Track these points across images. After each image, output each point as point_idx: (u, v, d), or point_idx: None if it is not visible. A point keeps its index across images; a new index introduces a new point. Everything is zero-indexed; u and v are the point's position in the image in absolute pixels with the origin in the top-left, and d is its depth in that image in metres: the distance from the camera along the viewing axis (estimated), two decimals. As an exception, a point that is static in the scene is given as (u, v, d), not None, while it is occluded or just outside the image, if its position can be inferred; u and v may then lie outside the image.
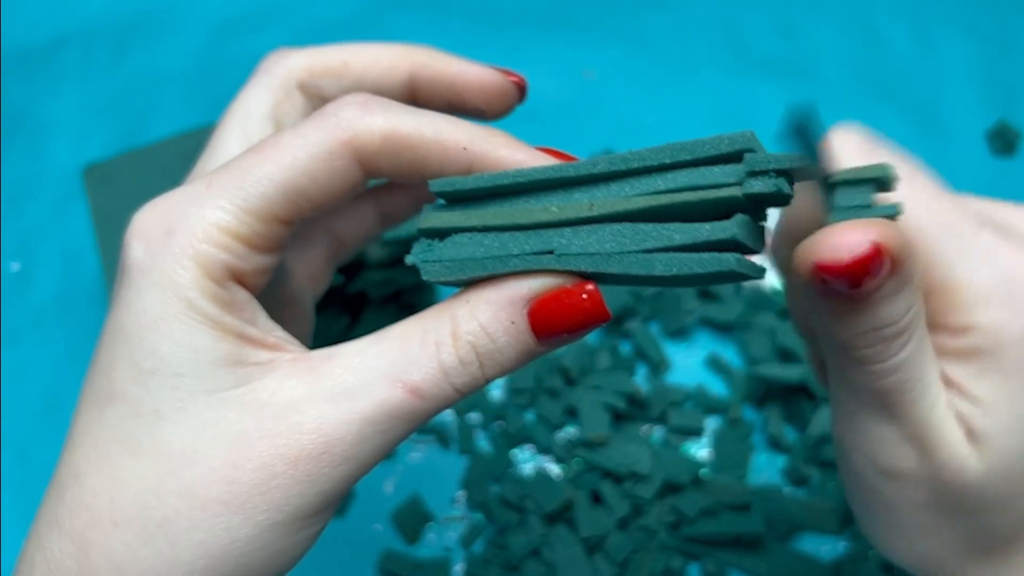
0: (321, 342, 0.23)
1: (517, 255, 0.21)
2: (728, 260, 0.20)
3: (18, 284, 0.51)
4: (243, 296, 0.22)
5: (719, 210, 0.20)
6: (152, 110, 0.58)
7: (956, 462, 0.23)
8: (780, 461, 0.43)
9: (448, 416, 0.45)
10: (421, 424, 0.22)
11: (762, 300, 0.47)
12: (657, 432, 0.44)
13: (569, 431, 0.44)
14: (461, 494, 0.43)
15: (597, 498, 0.42)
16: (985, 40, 0.59)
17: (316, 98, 0.27)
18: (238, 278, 0.22)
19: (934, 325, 0.24)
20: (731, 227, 0.19)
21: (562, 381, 0.45)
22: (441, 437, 0.45)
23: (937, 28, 0.59)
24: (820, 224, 0.21)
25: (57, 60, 0.60)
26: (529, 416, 0.45)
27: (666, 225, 0.20)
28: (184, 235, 0.21)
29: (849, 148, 0.24)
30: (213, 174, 0.22)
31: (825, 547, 0.41)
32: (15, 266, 0.52)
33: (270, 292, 0.25)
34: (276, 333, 0.23)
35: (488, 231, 0.22)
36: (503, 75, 0.27)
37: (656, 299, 0.47)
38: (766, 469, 0.43)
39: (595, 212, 0.21)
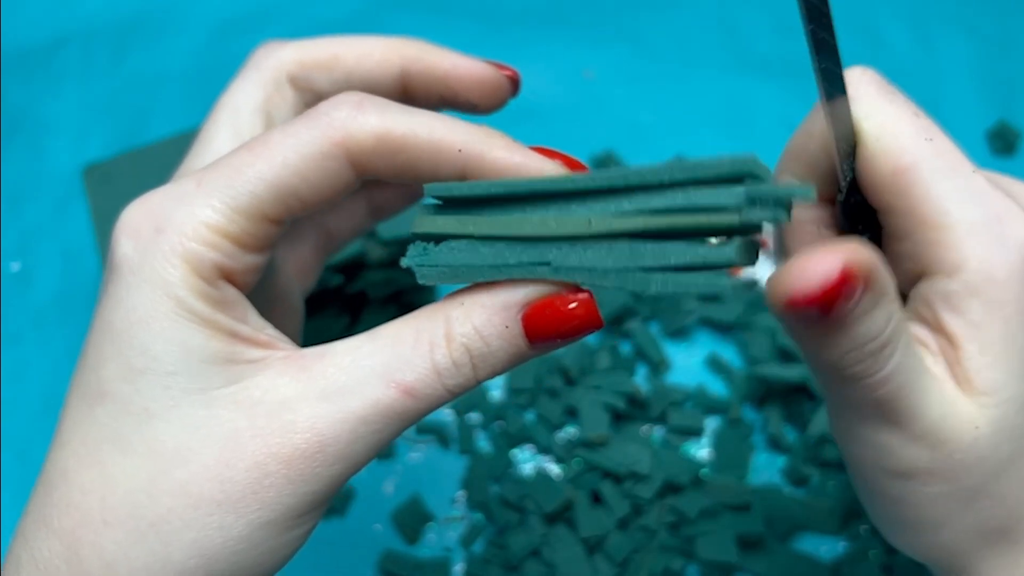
0: (320, 342, 0.22)
1: (513, 265, 0.21)
2: (723, 284, 0.20)
3: (18, 284, 0.51)
4: (233, 294, 0.22)
5: (716, 232, 0.20)
6: (152, 110, 0.58)
7: (966, 436, 0.23)
8: (780, 461, 0.43)
9: (448, 416, 0.45)
10: (412, 424, 0.22)
11: (762, 300, 0.47)
12: (657, 432, 0.44)
13: (569, 431, 0.44)
14: (461, 494, 0.43)
15: (597, 498, 0.42)
16: (985, 40, 0.59)
17: (307, 92, 0.27)
18: (228, 277, 0.22)
19: (928, 272, 0.24)
20: (729, 252, 0.20)
21: (562, 381, 0.45)
22: (441, 437, 0.45)
23: (937, 28, 0.59)
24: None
25: (57, 60, 0.60)
26: (529, 416, 0.45)
27: (663, 244, 0.20)
28: (174, 233, 0.21)
29: (864, 88, 0.24)
30: (203, 172, 0.22)
31: (825, 547, 0.41)
32: (15, 266, 0.52)
33: (259, 289, 0.24)
34: (267, 331, 0.23)
35: (484, 240, 0.22)
36: (496, 68, 0.27)
37: (656, 299, 0.47)
38: (766, 469, 0.43)
39: (593, 230, 0.21)
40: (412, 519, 0.42)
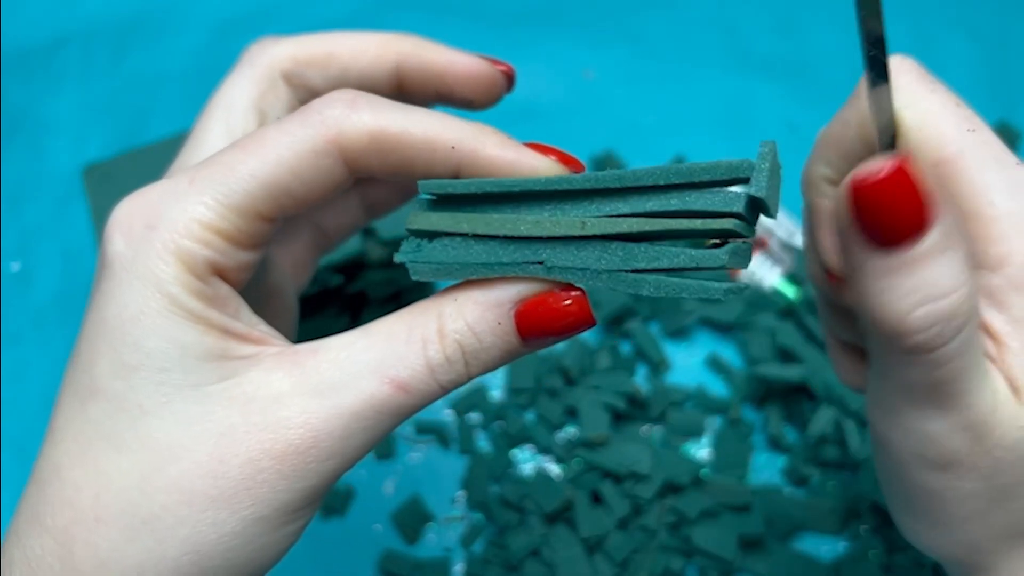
0: (321, 342, 0.23)
1: (507, 263, 0.21)
2: (715, 289, 0.20)
3: (18, 284, 0.51)
4: (226, 291, 0.22)
5: (711, 236, 0.20)
6: (152, 110, 0.58)
7: (1010, 434, 0.22)
8: (780, 461, 0.43)
9: (448, 416, 0.45)
10: (405, 419, 0.22)
11: (762, 300, 0.47)
12: (657, 432, 0.44)
13: (569, 431, 0.44)
14: (461, 494, 0.43)
15: (597, 498, 0.42)
16: (985, 40, 0.59)
17: (301, 88, 0.27)
18: (221, 273, 0.22)
19: (972, 264, 0.23)
20: (722, 256, 0.20)
21: (562, 381, 0.45)
22: (441, 437, 0.45)
23: (937, 28, 0.59)
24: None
25: (57, 60, 0.60)
26: (529, 416, 0.45)
27: (657, 247, 0.20)
28: (166, 230, 0.21)
29: (904, 77, 0.24)
30: (196, 169, 0.22)
31: (825, 547, 0.41)
32: (15, 266, 0.52)
33: (252, 285, 0.24)
34: (260, 327, 0.23)
35: (478, 237, 0.22)
36: (490, 64, 0.27)
37: (655, 299, 0.47)
38: (766, 469, 0.43)
39: (587, 231, 0.21)
40: (412, 519, 0.42)
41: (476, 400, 0.45)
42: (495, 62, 0.27)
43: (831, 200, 0.27)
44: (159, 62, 0.60)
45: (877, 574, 0.39)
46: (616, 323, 0.47)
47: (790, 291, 0.46)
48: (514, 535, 0.41)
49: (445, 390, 0.22)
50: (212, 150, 0.25)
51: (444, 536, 0.42)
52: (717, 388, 0.46)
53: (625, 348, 0.47)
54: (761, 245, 0.48)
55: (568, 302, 0.21)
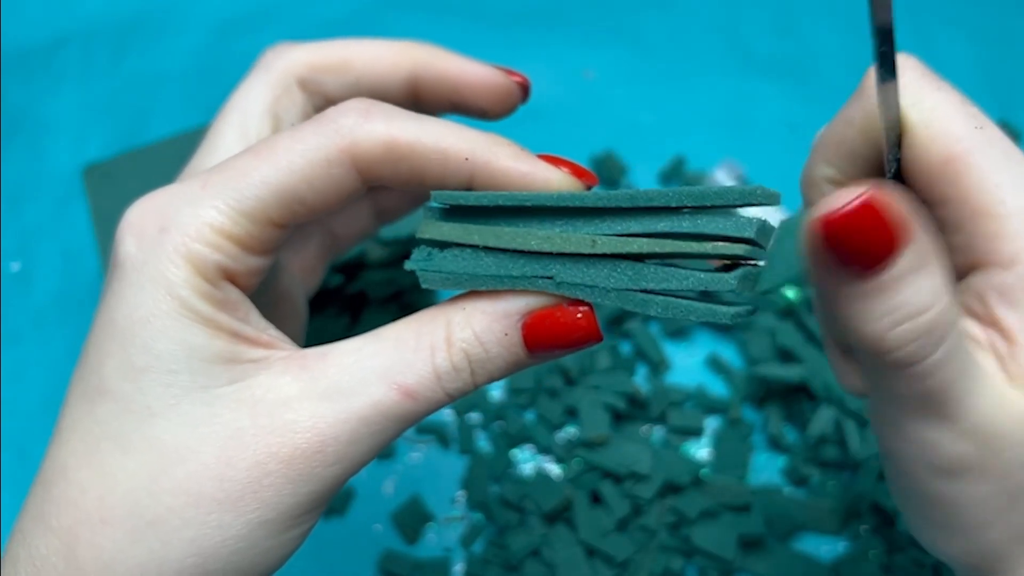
0: (321, 342, 0.23)
1: (516, 276, 0.21)
2: (723, 313, 0.20)
3: (18, 284, 0.51)
4: (236, 295, 0.22)
5: (720, 260, 0.20)
6: (152, 110, 0.58)
7: (1018, 433, 0.22)
8: (780, 461, 0.43)
9: (448, 416, 0.45)
10: (411, 426, 0.22)
11: (762, 300, 0.47)
12: (657, 432, 0.44)
13: (569, 431, 0.44)
14: (461, 494, 0.43)
15: (597, 498, 0.42)
16: (985, 40, 0.59)
17: (316, 95, 0.27)
18: (231, 278, 0.22)
19: (981, 264, 0.23)
20: (731, 281, 0.20)
21: (562, 381, 0.45)
22: (441, 437, 0.45)
23: (937, 28, 0.59)
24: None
25: (57, 60, 0.60)
26: (529, 416, 0.45)
27: (666, 269, 0.20)
28: (178, 233, 0.21)
29: (909, 74, 0.24)
30: (209, 173, 0.22)
31: (825, 547, 0.41)
32: (15, 266, 0.52)
33: (262, 289, 0.24)
34: (269, 331, 0.23)
35: (488, 250, 0.22)
36: (506, 74, 0.27)
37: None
38: (766, 469, 0.43)
39: (597, 250, 0.21)
40: (412, 519, 0.42)
41: (476, 400, 0.45)
42: (510, 72, 0.27)
43: None
44: (159, 62, 0.60)
45: (877, 574, 0.39)
46: (616, 323, 0.47)
47: (790, 291, 0.46)
48: (514, 535, 0.41)
49: (451, 398, 0.22)
50: (226, 154, 0.25)
51: (444, 536, 0.42)
52: (717, 388, 0.46)
53: (625, 348, 0.47)
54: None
55: (578, 316, 0.21)
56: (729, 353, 0.47)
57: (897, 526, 0.40)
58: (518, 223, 0.22)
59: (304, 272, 0.30)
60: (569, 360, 0.45)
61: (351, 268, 0.43)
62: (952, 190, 0.23)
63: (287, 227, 0.23)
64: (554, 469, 0.43)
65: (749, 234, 0.20)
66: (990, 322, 0.23)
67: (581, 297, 0.21)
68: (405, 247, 0.43)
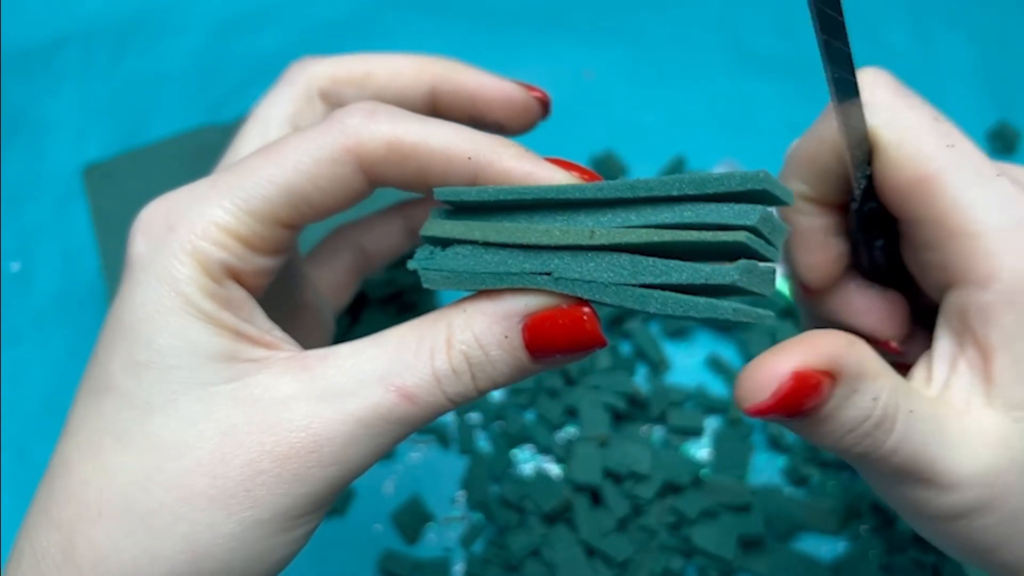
0: (321, 342, 0.23)
1: (515, 273, 0.21)
2: (725, 309, 0.19)
3: (18, 284, 0.51)
4: (240, 294, 0.22)
5: (722, 251, 0.20)
6: (152, 110, 0.58)
7: (1003, 460, 0.22)
8: (780, 461, 0.43)
9: (448, 416, 0.45)
10: (413, 431, 0.22)
11: (762, 300, 0.47)
12: (657, 432, 0.44)
13: (569, 431, 0.44)
14: (461, 494, 0.43)
15: (597, 498, 0.42)
16: (985, 40, 0.59)
17: (337, 107, 0.27)
18: (236, 277, 0.22)
19: (958, 282, 0.23)
20: (732, 273, 0.19)
21: (562, 381, 0.45)
22: (441, 437, 0.45)
23: (937, 28, 0.59)
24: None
25: (57, 60, 0.60)
26: (529, 416, 0.45)
27: (666, 261, 0.20)
28: (185, 231, 0.22)
29: (879, 93, 0.24)
30: (218, 173, 0.23)
31: (825, 547, 0.41)
32: (15, 266, 0.52)
33: (282, 297, 0.25)
34: (274, 332, 0.23)
35: (489, 246, 0.21)
36: (525, 89, 0.27)
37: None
38: (766, 469, 0.43)
39: (595, 240, 0.20)
40: (412, 519, 0.42)
41: (476, 400, 0.45)
42: (529, 88, 0.27)
43: (806, 216, 0.27)
44: (159, 62, 0.60)
45: (877, 574, 0.39)
46: (616, 323, 0.47)
47: (790, 291, 0.46)
48: (514, 535, 0.41)
49: (453, 403, 0.22)
50: None
51: (444, 536, 0.42)
52: (717, 388, 0.46)
53: (625, 348, 0.47)
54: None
55: (578, 319, 0.21)
56: (729, 353, 0.47)
57: (897, 526, 0.40)
58: (520, 219, 0.22)
59: (334, 288, 0.30)
60: (569, 360, 0.45)
61: (351, 268, 0.43)
62: (926, 210, 0.23)
63: (294, 227, 0.23)
64: (554, 469, 0.43)
65: (751, 222, 0.19)
66: (970, 340, 0.23)
67: (579, 294, 0.21)
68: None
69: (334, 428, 0.21)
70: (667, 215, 0.20)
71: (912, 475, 0.22)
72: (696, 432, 0.44)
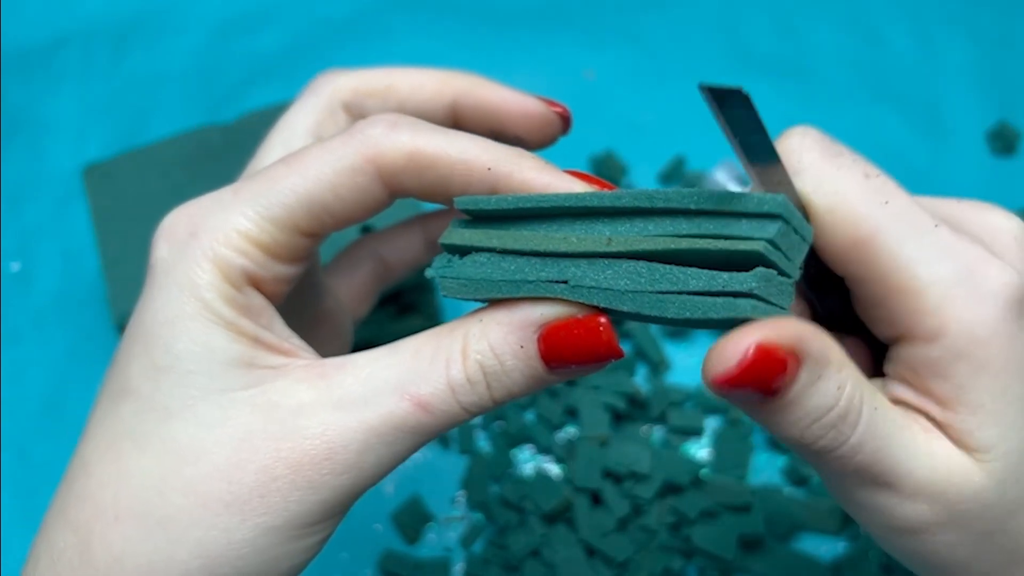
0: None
1: (532, 281, 0.21)
2: (743, 306, 0.19)
3: (18, 284, 0.51)
4: (260, 302, 0.23)
5: (740, 261, 0.20)
6: (152, 110, 0.58)
7: (966, 489, 0.22)
8: (780, 461, 0.44)
9: (448, 416, 0.45)
10: (427, 441, 0.22)
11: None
12: (657, 432, 0.44)
13: (569, 431, 0.44)
14: (461, 494, 0.43)
15: (597, 498, 0.42)
16: (985, 40, 0.59)
17: (360, 118, 0.27)
18: (256, 284, 0.23)
19: (907, 337, 0.23)
20: (749, 280, 0.19)
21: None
22: (441, 437, 0.45)
23: (937, 28, 0.59)
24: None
25: (57, 60, 0.60)
26: (529, 416, 0.45)
27: (683, 269, 0.20)
28: (206, 238, 0.22)
29: (807, 157, 0.23)
30: (241, 181, 0.23)
31: (825, 547, 0.41)
32: (15, 266, 0.52)
33: (302, 307, 0.25)
34: (292, 340, 0.23)
35: (506, 254, 0.21)
36: (545, 104, 0.27)
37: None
38: (766, 469, 0.43)
39: (612, 248, 0.20)
40: (412, 519, 0.42)
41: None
42: (550, 103, 0.28)
43: None
44: (159, 62, 0.60)
45: (877, 574, 0.39)
46: (616, 323, 0.47)
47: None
48: (514, 535, 0.41)
49: (469, 413, 0.22)
50: None
51: (444, 536, 0.42)
52: (717, 388, 0.46)
53: (625, 348, 0.47)
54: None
55: (595, 329, 0.21)
56: (729, 353, 0.47)
57: (897, 526, 0.40)
58: (538, 228, 0.22)
59: (354, 299, 0.31)
60: (569, 360, 0.45)
61: (351, 268, 0.43)
62: (867, 270, 0.23)
63: (315, 236, 0.23)
64: (554, 469, 0.43)
65: (768, 235, 0.19)
66: (925, 391, 0.23)
67: (596, 302, 0.20)
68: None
69: (348, 436, 0.21)
70: (685, 225, 0.20)
71: (874, 478, 0.22)
72: (696, 432, 0.44)
